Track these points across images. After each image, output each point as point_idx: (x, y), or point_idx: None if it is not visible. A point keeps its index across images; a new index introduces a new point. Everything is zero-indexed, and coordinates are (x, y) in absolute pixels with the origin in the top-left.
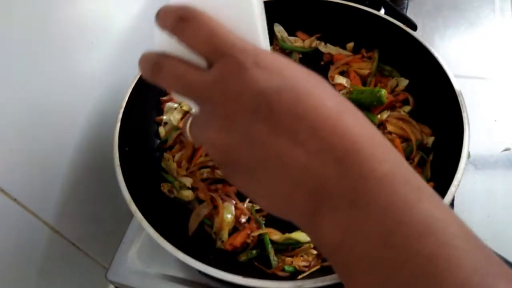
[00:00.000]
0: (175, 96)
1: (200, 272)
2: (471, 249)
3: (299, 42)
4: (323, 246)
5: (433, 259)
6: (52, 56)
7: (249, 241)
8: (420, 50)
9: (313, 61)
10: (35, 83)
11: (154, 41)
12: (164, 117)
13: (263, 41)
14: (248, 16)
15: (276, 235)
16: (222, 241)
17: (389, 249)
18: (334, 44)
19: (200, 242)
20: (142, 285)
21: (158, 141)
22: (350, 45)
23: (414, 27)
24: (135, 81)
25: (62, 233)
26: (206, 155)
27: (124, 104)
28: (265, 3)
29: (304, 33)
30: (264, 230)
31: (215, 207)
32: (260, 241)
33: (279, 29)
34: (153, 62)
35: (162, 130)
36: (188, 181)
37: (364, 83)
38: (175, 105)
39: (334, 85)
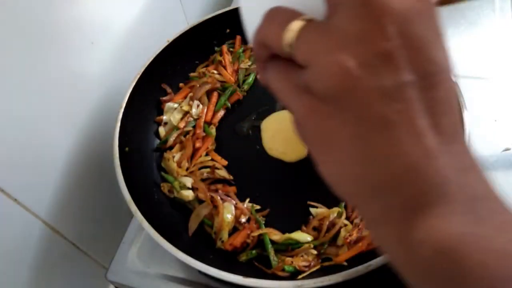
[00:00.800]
0: None
1: (200, 272)
2: None
3: None
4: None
5: None
6: (52, 56)
7: (249, 241)
8: None
9: None
10: (35, 83)
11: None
12: (164, 117)
13: None
14: None
15: (276, 235)
16: (222, 241)
17: None
18: None
19: (200, 242)
20: (142, 285)
21: (158, 141)
22: None
23: None
24: (135, 81)
25: (62, 233)
26: (207, 154)
27: (124, 104)
28: None
29: None
30: (264, 230)
31: (215, 207)
32: (260, 241)
33: None
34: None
35: (162, 130)
36: (188, 181)
37: None
38: (175, 105)
39: None
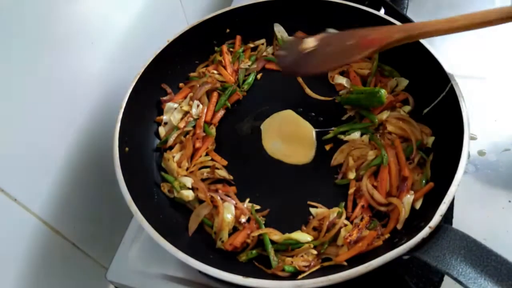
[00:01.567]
0: None
1: (200, 272)
2: None
3: None
4: None
5: None
6: (52, 56)
7: (249, 241)
8: (420, 50)
9: None
10: (35, 83)
11: None
12: (164, 117)
13: None
14: None
15: (276, 235)
16: (222, 241)
17: None
18: None
19: (200, 242)
20: (142, 285)
21: (158, 141)
22: None
23: None
24: (135, 80)
25: (62, 233)
26: (207, 154)
27: (124, 104)
28: (265, 3)
29: (304, 33)
30: (264, 230)
31: (215, 207)
32: (260, 241)
33: (279, 29)
34: None
35: (162, 130)
36: (188, 181)
37: (364, 83)
38: (175, 105)
39: (334, 85)
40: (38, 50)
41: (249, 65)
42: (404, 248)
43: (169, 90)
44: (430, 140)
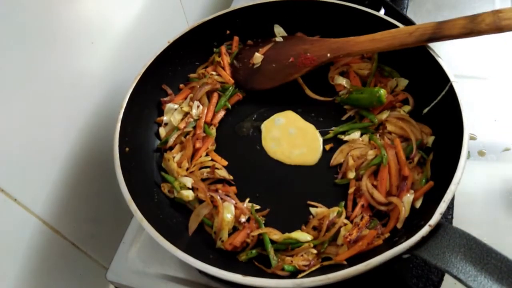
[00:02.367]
0: None
1: (200, 271)
2: None
3: None
4: None
5: None
6: (52, 56)
7: (249, 240)
8: (420, 50)
9: None
10: (35, 83)
11: None
12: (165, 118)
13: None
14: None
15: (275, 235)
16: (222, 241)
17: None
18: None
19: (200, 242)
20: (142, 285)
21: (159, 141)
22: None
23: None
24: (136, 81)
25: (62, 233)
26: (207, 155)
27: (124, 104)
28: (265, 4)
29: (304, 34)
30: (264, 229)
31: (215, 207)
32: (260, 241)
33: (279, 30)
34: None
35: (162, 131)
36: (188, 181)
37: (364, 83)
38: (176, 106)
39: (334, 86)
40: (38, 50)
41: None
42: (404, 247)
43: (169, 91)
44: (430, 139)
